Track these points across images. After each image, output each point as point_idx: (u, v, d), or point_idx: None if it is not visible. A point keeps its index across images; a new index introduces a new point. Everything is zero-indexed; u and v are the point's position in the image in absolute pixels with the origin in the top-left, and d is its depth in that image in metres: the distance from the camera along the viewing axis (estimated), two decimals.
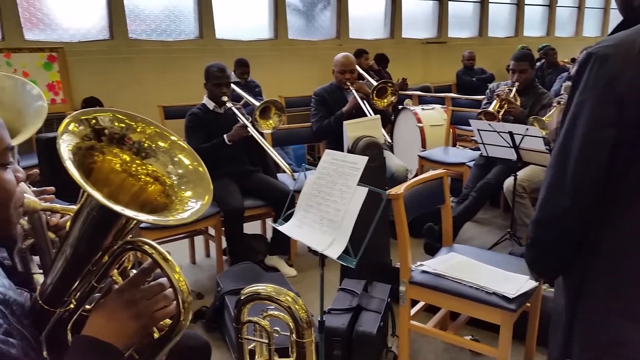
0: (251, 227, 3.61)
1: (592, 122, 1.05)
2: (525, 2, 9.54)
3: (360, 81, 4.00)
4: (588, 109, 1.05)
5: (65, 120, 0.89)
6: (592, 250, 1.12)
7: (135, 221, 0.93)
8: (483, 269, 2.22)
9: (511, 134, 3.14)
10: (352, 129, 3.02)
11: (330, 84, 3.95)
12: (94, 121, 0.93)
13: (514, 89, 3.72)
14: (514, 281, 2.09)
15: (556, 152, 1.12)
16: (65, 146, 0.86)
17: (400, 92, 4.98)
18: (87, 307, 1.01)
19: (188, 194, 0.98)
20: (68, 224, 0.99)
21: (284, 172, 3.37)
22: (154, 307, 0.93)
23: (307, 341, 1.31)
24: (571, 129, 1.09)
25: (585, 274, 1.14)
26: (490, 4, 8.93)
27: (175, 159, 1.00)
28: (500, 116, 3.60)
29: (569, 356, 1.19)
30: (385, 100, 3.89)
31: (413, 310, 2.29)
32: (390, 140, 3.95)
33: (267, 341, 1.39)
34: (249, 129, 3.24)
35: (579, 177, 1.07)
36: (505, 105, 3.65)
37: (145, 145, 0.98)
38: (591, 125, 1.05)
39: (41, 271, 1.39)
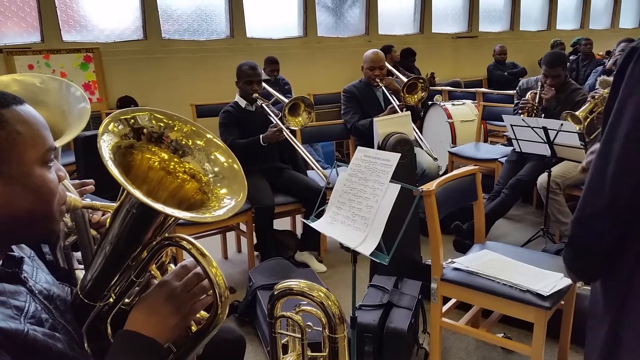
0: (281, 224, 3.64)
1: (636, 120, 1.01)
2: None
3: (390, 77, 3.98)
4: (632, 106, 1.02)
5: (105, 120, 0.92)
6: (638, 257, 1.07)
7: (173, 218, 0.95)
8: (516, 266, 2.20)
9: (545, 129, 3.08)
10: (382, 126, 3.01)
11: (360, 80, 3.94)
12: (132, 121, 0.96)
13: (538, 93, 3.63)
14: (548, 279, 2.06)
15: (599, 150, 1.08)
16: (106, 146, 0.89)
17: (429, 87, 4.93)
18: (126, 301, 1.04)
19: (223, 191, 1.00)
20: (108, 220, 1.02)
21: (314, 169, 3.38)
22: (193, 298, 0.96)
23: (340, 337, 1.32)
24: (614, 126, 1.04)
25: (631, 283, 1.09)
26: None
27: (212, 156, 1.03)
28: None
29: None
30: (416, 96, 3.86)
31: (444, 308, 2.27)
32: (422, 138, 3.90)
33: (300, 336, 1.41)
34: (284, 132, 3.24)
35: (619, 178, 1.03)
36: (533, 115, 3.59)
37: (183, 143, 1.01)
38: (634, 124, 1.01)
39: (82, 266, 1.44)
